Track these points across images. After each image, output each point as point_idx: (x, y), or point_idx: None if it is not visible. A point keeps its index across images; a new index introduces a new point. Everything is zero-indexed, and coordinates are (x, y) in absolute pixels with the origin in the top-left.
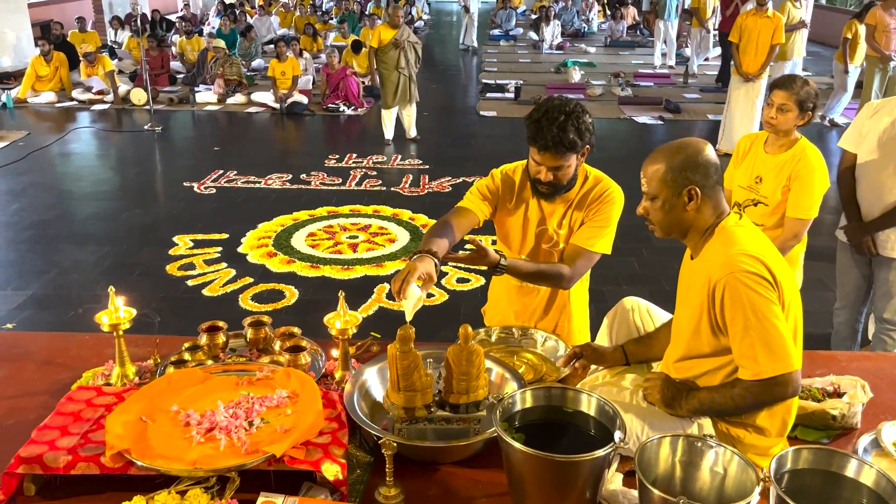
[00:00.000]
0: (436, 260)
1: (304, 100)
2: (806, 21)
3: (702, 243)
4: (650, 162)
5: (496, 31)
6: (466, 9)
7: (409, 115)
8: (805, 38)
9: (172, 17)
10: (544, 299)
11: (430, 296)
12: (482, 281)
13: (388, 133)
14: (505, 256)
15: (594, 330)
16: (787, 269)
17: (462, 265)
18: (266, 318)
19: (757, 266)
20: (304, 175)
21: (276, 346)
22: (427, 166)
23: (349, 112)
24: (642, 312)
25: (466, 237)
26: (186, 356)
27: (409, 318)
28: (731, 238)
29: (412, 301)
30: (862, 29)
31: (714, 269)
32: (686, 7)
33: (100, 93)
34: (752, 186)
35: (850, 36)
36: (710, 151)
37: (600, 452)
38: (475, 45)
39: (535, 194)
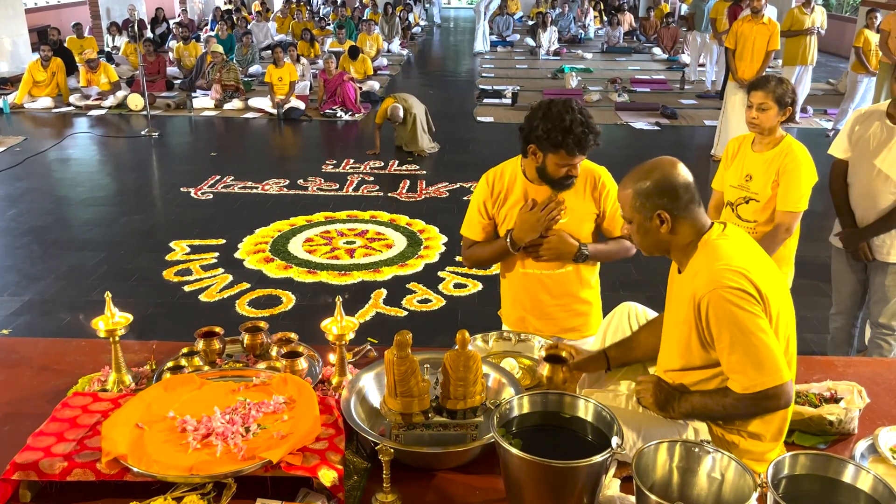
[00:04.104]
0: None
1: (302, 105)
2: (815, 28)
3: (686, 259)
4: (622, 186)
5: (493, 38)
6: (481, 15)
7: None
8: (815, 44)
9: (171, 23)
10: (563, 295)
11: (426, 301)
12: (479, 286)
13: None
14: (583, 244)
15: None
16: (774, 279)
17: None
18: (263, 324)
19: (740, 281)
20: (301, 180)
21: (273, 351)
22: (424, 172)
23: (346, 118)
24: (639, 318)
25: (551, 232)
26: (183, 362)
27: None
28: (715, 252)
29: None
30: (873, 37)
31: (699, 286)
32: (683, 14)
33: (99, 96)
34: (742, 185)
35: (860, 45)
36: (679, 172)
37: (597, 458)
38: (486, 49)
39: (554, 187)
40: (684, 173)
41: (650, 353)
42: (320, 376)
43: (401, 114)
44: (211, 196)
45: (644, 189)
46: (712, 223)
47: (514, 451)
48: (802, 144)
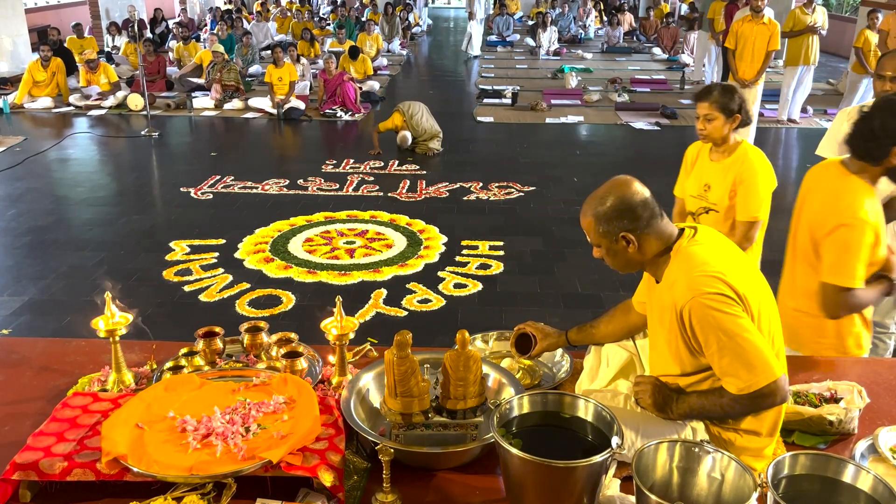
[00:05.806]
0: None
1: (302, 105)
2: (817, 28)
3: (660, 270)
4: (582, 214)
5: (493, 38)
6: (472, 14)
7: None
8: (817, 44)
9: (170, 23)
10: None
11: (426, 301)
12: (479, 286)
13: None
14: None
15: None
16: (751, 277)
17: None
18: (263, 324)
19: (717, 285)
20: (301, 180)
21: (273, 351)
22: (424, 172)
23: (346, 118)
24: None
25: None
26: (183, 362)
27: None
28: (690, 259)
29: None
30: (873, 37)
31: (678, 295)
32: (682, 14)
33: (99, 96)
34: (701, 195)
35: (860, 45)
36: (635, 191)
37: (597, 458)
38: (478, 53)
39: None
40: (640, 190)
41: (607, 340)
42: (320, 376)
43: (409, 142)
44: (211, 196)
45: (603, 214)
46: (682, 230)
47: (514, 451)
48: (759, 150)
